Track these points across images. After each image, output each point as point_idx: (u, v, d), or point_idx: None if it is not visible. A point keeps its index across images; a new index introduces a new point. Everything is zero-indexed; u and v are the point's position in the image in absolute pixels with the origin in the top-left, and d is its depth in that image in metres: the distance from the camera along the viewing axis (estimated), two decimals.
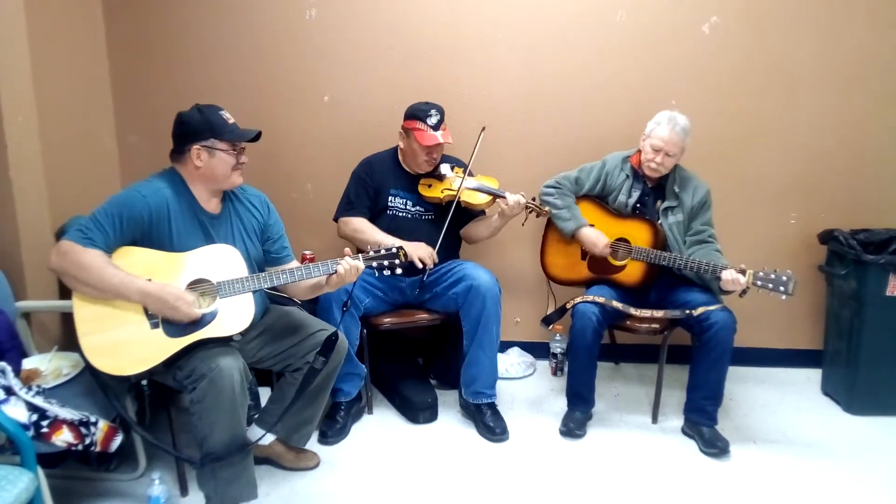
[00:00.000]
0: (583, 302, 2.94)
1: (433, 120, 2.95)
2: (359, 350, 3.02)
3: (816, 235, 3.39)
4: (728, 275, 2.68)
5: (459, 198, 2.99)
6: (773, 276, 2.64)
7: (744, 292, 2.70)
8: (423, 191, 3.07)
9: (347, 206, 3.11)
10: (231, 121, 2.38)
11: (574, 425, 2.99)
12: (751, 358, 3.62)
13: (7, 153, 2.69)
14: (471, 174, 3.06)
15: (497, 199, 2.98)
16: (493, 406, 3.05)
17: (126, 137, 3.63)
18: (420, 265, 2.92)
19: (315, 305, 2.91)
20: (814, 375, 3.54)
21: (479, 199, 3.00)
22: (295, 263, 2.62)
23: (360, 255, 2.45)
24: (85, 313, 2.21)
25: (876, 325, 3.09)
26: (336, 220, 3.14)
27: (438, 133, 2.96)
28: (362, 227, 3.04)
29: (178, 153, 2.37)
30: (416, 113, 2.98)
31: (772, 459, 2.81)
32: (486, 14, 3.45)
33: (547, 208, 3.03)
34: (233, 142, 2.36)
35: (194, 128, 2.33)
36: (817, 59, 3.37)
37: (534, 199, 3.00)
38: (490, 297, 2.96)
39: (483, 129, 3.03)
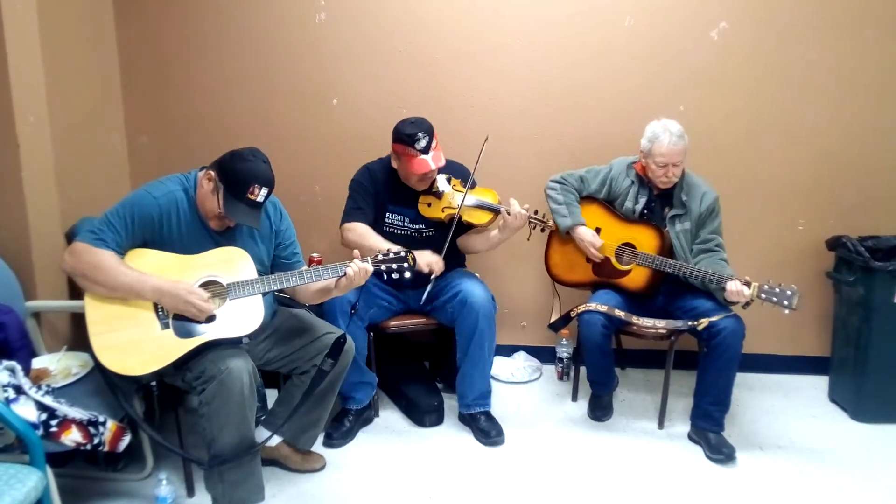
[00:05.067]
0: (587, 311, 2.95)
1: (421, 144, 2.82)
2: (366, 356, 3.02)
3: (824, 242, 3.37)
4: (733, 286, 2.68)
5: (461, 217, 2.92)
6: (777, 289, 2.63)
7: (747, 304, 2.70)
8: (424, 211, 3.00)
9: (355, 212, 2.99)
10: (252, 196, 2.27)
11: (601, 412, 3.18)
12: (758, 364, 3.61)
13: (19, 153, 2.71)
14: (474, 184, 2.99)
15: (499, 214, 2.91)
16: (487, 413, 3.05)
17: (136, 138, 3.65)
18: (427, 270, 2.84)
19: (321, 310, 2.90)
20: (821, 383, 3.53)
21: (482, 217, 2.93)
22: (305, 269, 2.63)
23: (368, 257, 2.46)
24: (96, 313, 2.23)
25: (884, 333, 3.07)
26: (342, 224, 3.04)
27: (429, 157, 2.83)
28: (367, 232, 2.92)
29: (209, 167, 2.35)
30: (403, 138, 2.83)
31: (778, 466, 2.80)
32: (494, 18, 3.45)
33: (552, 222, 2.99)
34: (225, 211, 2.30)
35: (226, 167, 2.28)
36: (826, 64, 3.36)
37: (536, 213, 2.92)
38: (483, 313, 2.92)
39: (486, 139, 2.92)
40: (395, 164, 2.98)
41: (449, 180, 3.02)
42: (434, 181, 2.99)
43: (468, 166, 3.07)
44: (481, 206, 2.94)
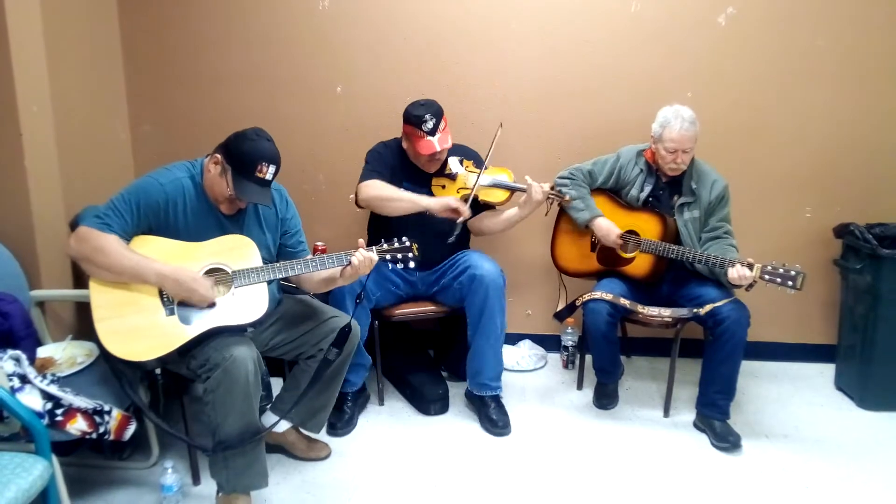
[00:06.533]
0: (592, 300, 2.94)
1: (428, 126, 2.85)
2: (370, 342, 3.02)
3: (832, 229, 3.36)
4: (733, 272, 2.66)
5: (477, 197, 2.94)
6: (781, 270, 2.61)
7: (751, 286, 2.69)
8: (438, 193, 3.01)
9: (372, 174, 2.96)
10: (260, 174, 2.27)
11: (606, 400, 3.18)
12: (764, 352, 3.60)
13: (22, 142, 2.70)
14: (486, 165, 3.00)
15: (515, 193, 2.95)
16: (497, 399, 3.04)
17: (139, 127, 3.64)
18: (453, 215, 2.84)
19: (328, 297, 2.90)
20: (827, 370, 3.52)
21: (498, 196, 2.96)
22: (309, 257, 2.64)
23: (373, 247, 2.46)
24: (101, 299, 2.23)
25: (891, 320, 3.06)
26: (358, 185, 2.99)
27: (435, 139, 2.86)
28: (384, 186, 2.92)
29: (213, 151, 2.35)
30: (411, 119, 2.89)
31: (783, 454, 2.80)
32: (500, 4, 3.43)
33: (568, 196, 2.99)
34: (236, 192, 2.30)
35: (232, 149, 2.29)
36: (833, 51, 3.33)
37: (552, 188, 2.95)
38: (493, 287, 2.92)
39: (500, 125, 2.95)
40: (405, 145, 3.02)
41: (461, 162, 3.04)
42: (446, 164, 3.01)
43: (477, 151, 3.10)
44: (497, 185, 2.96)
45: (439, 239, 2.96)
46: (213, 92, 3.61)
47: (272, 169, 2.30)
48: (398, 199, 2.89)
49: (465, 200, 2.91)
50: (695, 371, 3.03)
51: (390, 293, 3.07)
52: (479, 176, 2.94)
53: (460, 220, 2.87)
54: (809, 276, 2.63)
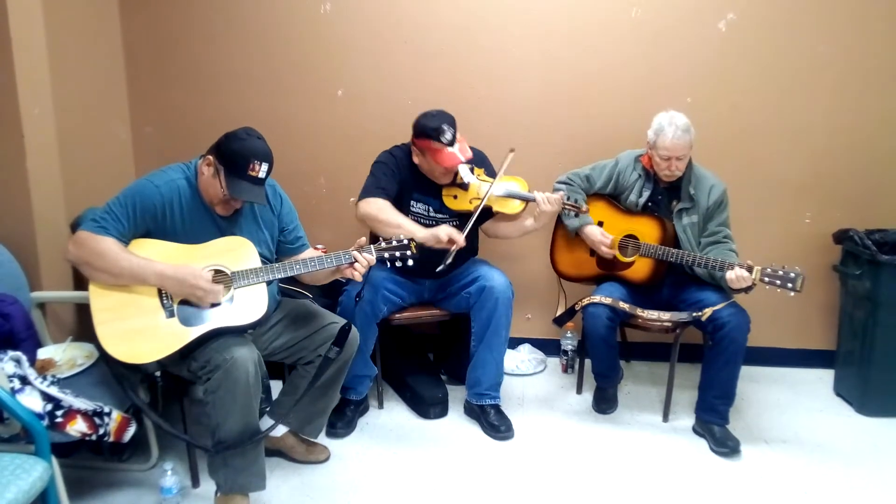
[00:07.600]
0: (592, 304, 2.94)
1: (447, 136, 2.73)
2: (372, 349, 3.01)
3: (831, 235, 3.36)
4: (732, 274, 2.66)
5: (491, 208, 2.88)
6: (780, 272, 2.61)
7: (750, 289, 2.69)
8: (450, 203, 2.93)
9: (376, 188, 2.85)
10: (253, 172, 2.27)
11: (605, 405, 3.18)
12: (763, 357, 3.60)
13: (24, 143, 2.71)
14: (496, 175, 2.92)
15: (530, 203, 2.87)
16: (497, 407, 3.04)
17: (140, 129, 3.65)
18: (446, 241, 2.71)
19: (337, 308, 2.92)
20: (826, 376, 3.52)
21: (513, 207, 2.88)
22: (310, 252, 2.64)
23: (371, 245, 2.46)
24: (101, 302, 2.22)
25: (890, 326, 3.06)
26: (360, 199, 2.87)
27: (456, 149, 2.76)
28: (385, 206, 2.79)
29: (206, 153, 2.35)
30: (428, 132, 2.75)
31: (783, 460, 2.80)
32: (501, 10, 3.44)
33: (585, 208, 2.95)
34: (229, 192, 2.29)
35: (223, 149, 2.28)
36: (833, 57, 3.34)
37: (568, 199, 2.89)
38: (502, 299, 2.92)
39: (511, 150, 2.85)
40: (416, 160, 2.90)
41: (472, 170, 2.93)
42: (457, 173, 2.91)
43: (483, 153, 3.07)
44: (511, 195, 2.89)
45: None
46: (214, 95, 3.62)
47: (265, 167, 2.30)
48: (396, 225, 2.72)
49: (477, 210, 2.85)
50: (694, 376, 3.03)
51: (396, 305, 3.03)
52: (491, 186, 2.85)
53: (454, 248, 2.75)
54: (809, 282, 2.63)
